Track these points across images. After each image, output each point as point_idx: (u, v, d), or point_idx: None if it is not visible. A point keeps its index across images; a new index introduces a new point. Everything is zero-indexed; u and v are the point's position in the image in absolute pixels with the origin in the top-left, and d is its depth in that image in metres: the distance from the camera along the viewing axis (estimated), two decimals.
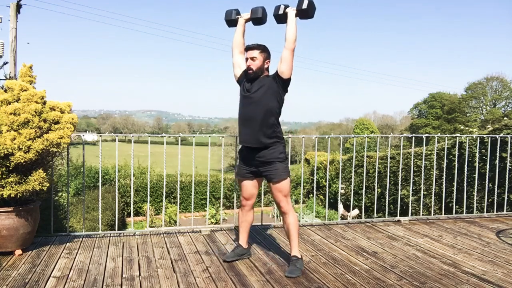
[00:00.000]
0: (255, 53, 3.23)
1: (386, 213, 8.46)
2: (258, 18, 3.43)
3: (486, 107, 45.48)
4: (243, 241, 3.51)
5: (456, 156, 6.34)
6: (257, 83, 3.23)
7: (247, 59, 3.27)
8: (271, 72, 3.31)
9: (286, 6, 3.31)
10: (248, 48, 3.27)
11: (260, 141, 3.21)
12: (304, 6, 3.21)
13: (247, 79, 3.30)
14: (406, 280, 3.09)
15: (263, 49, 3.25)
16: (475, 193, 5.79)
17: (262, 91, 3.20)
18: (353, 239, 4.16)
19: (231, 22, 3.53)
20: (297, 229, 3.28)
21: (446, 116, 47.97)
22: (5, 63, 6.29)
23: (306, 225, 4.68)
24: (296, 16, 3.24)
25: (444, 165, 7.62)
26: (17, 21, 11.13)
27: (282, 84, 3.21)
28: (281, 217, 3.34)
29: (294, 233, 3.25)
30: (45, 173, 3.45)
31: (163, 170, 4.66)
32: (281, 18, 3.34)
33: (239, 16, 3.49)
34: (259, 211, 4.78)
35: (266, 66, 3.28)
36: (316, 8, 3.28)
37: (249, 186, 3.41)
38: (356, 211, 11.10)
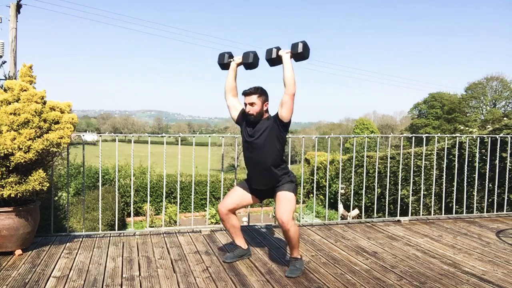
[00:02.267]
0: (254, 98, 3.22)
1: (386, 213, 8.47)
2: (249, 63, 3.42)
3: (486, 107, 45.46)
4: (241, 242, 3.50)
5: (456, 156, 6.33)
6: (258, 127, 3.25)
7: (246, 104, 3.27)
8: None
9: (278, 49, 3.29)
10: (245, 94, 3.26)
11: (268, 183, 3.27)
12: (300, 50, 3.19)
13: (248, 123, 3.31)
14: (406, 280, 3.09)
15: (261, 93, 3.24)
16: (475, 193, 5.79)
17: (264, 135, 3.21)
18: (353, 239, 4.16)
19: (224, 65, 3.55)
20: (298, 238, 3.19)
21: (446, 116, 47.97)
22: (3, 62, 6.28)
23: (306, 225, 4.68)
24: (290, 58, 3.22)
25: (444, 165, 7.61)
26: (17, 21, 11.13)
27: (282, 126, 3.25)
28: (283, 233, 3.19)
29: (295, 242, 3.17)
30: (45, 173, 3.44)
31: (163, 170, 4.66)
32: (274, 62, 3.33)
33: (231, 60, 3.49)
34: (259, 211, 4.78)
35: (265, 108, 3.28)
36: (310, 48, 3.25)
37: (243, 197, 3.41)
38: (356, 211, 11.10)
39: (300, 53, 3.19)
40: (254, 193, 3.42)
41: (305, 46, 3.20)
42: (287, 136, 3.41)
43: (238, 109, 3.43)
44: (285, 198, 3.17)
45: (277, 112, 3.23)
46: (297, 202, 13.49)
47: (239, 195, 3.41)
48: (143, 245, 3.84)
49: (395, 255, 3.68)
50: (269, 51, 3.32)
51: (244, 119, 3.36)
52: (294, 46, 3.21)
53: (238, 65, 3.48)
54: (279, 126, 3.23)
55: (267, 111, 3.30)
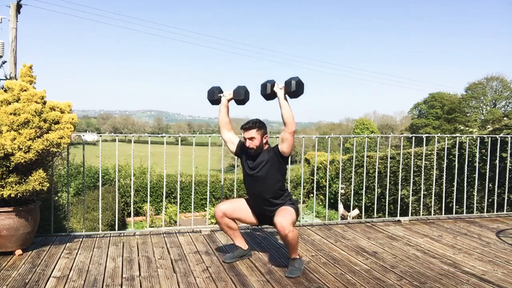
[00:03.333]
0: (253, 133, 3.27)
1: (386, 213, 8.47)
2: (241, 100, 3.45)
3: (486, 107, 45.47)
4: (240, 243, 3.50)
5: (456, 156, 6.34)
6: (259, 160, 3.29)
7: (245, 139, 3.31)
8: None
9: (272, 85, 3.30)
10: (244, 129, 3.30)
11: (269, 213, 3.29)
12: (293, 88, 3.20)
13: (248, 155, 3.35)
14: (406, 280, 3.09)
15: (259, 127, 3.28)
16: (475, 193, 5.79)
17: (266, 168, 3.26)
18: (353, 239, 4.16)
19: (214, 101, 3.56)
20: (297, 242, 3.16)
21: (446, 116, 47.97)
22: (3, 62, 6.29)
23: (306, 225, 4.69)
24: (285, 94, 3.24)
25: (444, 165, 7.61)
26: (17, 21, 11.13)
27: (283, 159, 3.30)
28: (282, 239, 3.21)
29: (294, 245, 3.15)
30: (45, 173, 3.45)
31: (163, 170, 4.66)
32: (269, 97, 3.35)
33: (221, 95, 3.51)
34: None
35: (264, 141, 3.33)
36: (304, 83, 3.25)
37: (242, 210, 3.43)
38: (356, 211, 11.10)
39: (294, 92, 3.21)
40: (255, 214, 3.44)
41: (299, 83, 3.21)
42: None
43: (235, 142, 3.49)
44: (285, 209, 3.19)
45: (277, 146, 3.29)
46: (297, 202, 13.48)
47: (239, 206, 3.44)
48: (143, 245, 3.84)
49: (395, 255, 3.68)
50: (263, 87, 3.35)
51: (244, 151, 3.40)
52: (288, 84, 3.22)
53: (229, 100, 3.50)
54: (279, 159, 3.29)
55: (266, 143, 3.36)
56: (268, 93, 3.31)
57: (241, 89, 3.42)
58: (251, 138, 3.27)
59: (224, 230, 3.46)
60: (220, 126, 3.55)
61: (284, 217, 3.08)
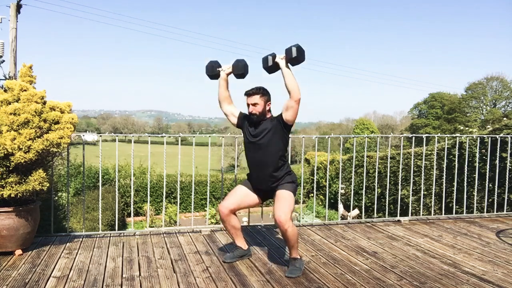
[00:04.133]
0: (256, 98, 3.23)
1: (386, 213, 8.47)
2: (240, 74, 3.42)
3: (486, 107, 45.47)
4: (241, 243, 3.49)
5: (456, 156, 6.34)
6: (261, 127, 3.26)
7: (248, 104, 3.27)
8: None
9: (274, 57, 3.28)
10: (248, 94, 3.26)
11: (270, 183, 3.28)
12: (294, 54, 3.16)
13: (250, 123, 3.32)
14: (406, 280, 3.09)
15: (263, 93, 3.25)
16: (475, 193, 5.79)
17: (268, 136, 3.23)
18: (353, 239, 4.16)
19: (213, 76, 3.52)
20: (297, 239, 3.18)
21: (446, 116, 47.98)
22: (2, 61, 6.29)
23: (306, 225, 4.68)
24: (287, 63, 3.21)
25: (444, 165, 7.62)
26: (17, 21, 11.13)
27: (286, 128, 3.26)
28: (281, 234, 3.20)
29: (294, 242, 3.15)
30: (45, 173, 3.45)
31: (163, 170, 4.66)
32: (271, 69, 3.32)
33: (220, 69, 3.46)
34: (259, 211, 4.79)
35: (268, 108, 3.30)
36: (304, 50, 3.21)
37: (244, 198, 3.39)
38: (356, 211, 11.10)
39: (295, 58, 3.17)
40: (256, 193, 3.41)
41: (299, 49, 3.17)
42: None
43: (236, 114, 3.45)
44: (284, 198, 3.17)
45: (281, 114, 3.23)
46: (297, 202, 13.49)
47: (241, 195, 3.40)
48: (143, 245, 3.84)
49: (395, 255, 3.68)
50: (264, 60, 3.32)
51: (246, 120, 3.36)
52: (288, 51, 3.19)
53: (228, 74, 3.46)
54: (282, 128, 3.24)
55: (269, 111, 3.32)
56: (270, 65, 3.28)
57: (240, 63, 3.39)
58: (254, 104, 3.23)
59: (227, 229, 3.44)
60: (220, 101, 3.48)
61: (282, 210, 3.07)
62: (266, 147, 3.22)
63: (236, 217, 3.43)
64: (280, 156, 3.25)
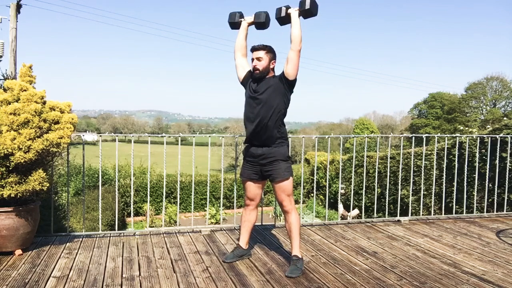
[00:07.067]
0: (261, 53, 3.24)
1: (386, 213, 8.45)
2: (261, 23, 3.43)
3: (486, 107, 45.45)
4: (243, 241, 3.50)
5: (456, 156, 6.33)
6: (263, 84, 3.25)
7: (253, 59, 3.27)
8: (277, 71, 3.33)
9: (288, 8, 3.30)
10: (254, 49, 3.27)
11: (266, 141, 3.26)
12: (307, 6, 3.20)
13: (253, 79, 3.31)
14: (406, 280, 3.09)
15: (269, 50, 3.26)
16: (475, 193, 5.79)
17: (269, 92, 3.21)
18: (353, 239, 4.16)
19: (234, 24, 3.53)
20: (299, 229, 3.29)
21: (446, 116, 47.96)
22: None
23: (306, 225, 4.68)
24: (299, 16, 3.24)
25: (444, 165, 7.61)
26: (17, 21, 11.14)
27: (288, 85, 3.24)
28: (284, 216, 3.36)
29: (296, 233, 3.26)
30: (45, 173, 3.44)
31: (163, 170, 4.66)
32: (283, 20, 3.35)
33: (242, 19, 3.49)
34: (259, 210, 4.79)
35: (272, 66, 3.29)
36: (318, 5, 3.27)
37: (253, 187, 3.43)
38: (356, 211, 11.10)
39: (308, 10, 3.21)
40: (255, 172, 3.37)
41: (313, 2, 3.21)
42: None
43: (246, 69, 3.43)
44: (283, 189, 3.29)
45: (283, 71, 3.23)
46: (297, 202, 13.50)
47: (250, 189, 3.44)
48: (143, 245, 3.84)
49: (395, 255, 3.68)
50: (278, 10, 3.35)
51: (250, 78, 3.36)
52: (302, 3, 3.22)
53: (249, 24, 3.48)
54: (284, 85, 3.23)
55: (273, 69, 3.32)
56: (283, 16, 3.31)
57: (262, 13, 3.41)
58: (258, 58, 3.23)
59: (243, 220, 3.51)
60: (235, 49, 3.47)
61: (284, 197, 3.28)
62: (266, 103, 3.21)
63: (256, 214, 3.54)
64: (278, 115, 3.23)
